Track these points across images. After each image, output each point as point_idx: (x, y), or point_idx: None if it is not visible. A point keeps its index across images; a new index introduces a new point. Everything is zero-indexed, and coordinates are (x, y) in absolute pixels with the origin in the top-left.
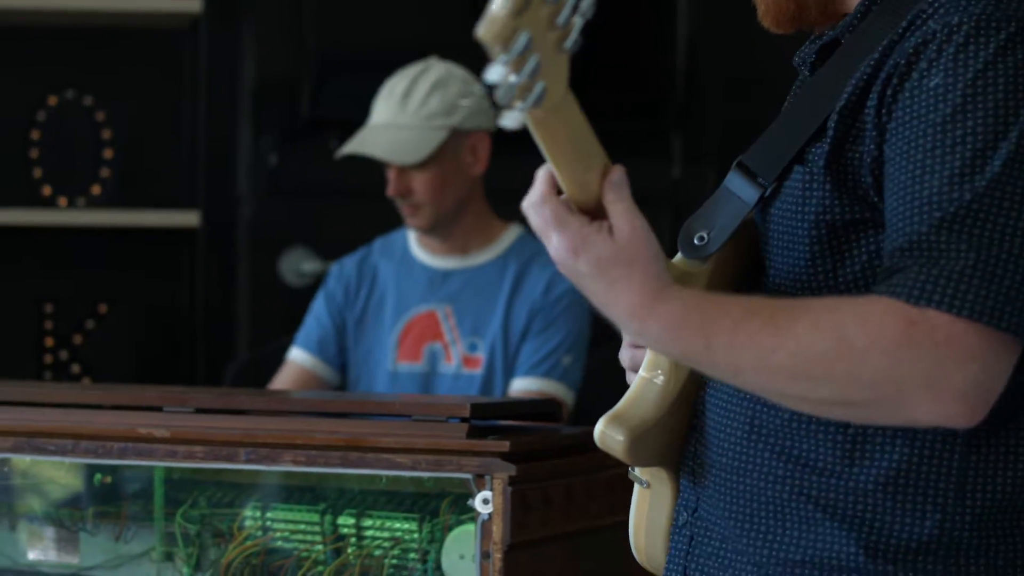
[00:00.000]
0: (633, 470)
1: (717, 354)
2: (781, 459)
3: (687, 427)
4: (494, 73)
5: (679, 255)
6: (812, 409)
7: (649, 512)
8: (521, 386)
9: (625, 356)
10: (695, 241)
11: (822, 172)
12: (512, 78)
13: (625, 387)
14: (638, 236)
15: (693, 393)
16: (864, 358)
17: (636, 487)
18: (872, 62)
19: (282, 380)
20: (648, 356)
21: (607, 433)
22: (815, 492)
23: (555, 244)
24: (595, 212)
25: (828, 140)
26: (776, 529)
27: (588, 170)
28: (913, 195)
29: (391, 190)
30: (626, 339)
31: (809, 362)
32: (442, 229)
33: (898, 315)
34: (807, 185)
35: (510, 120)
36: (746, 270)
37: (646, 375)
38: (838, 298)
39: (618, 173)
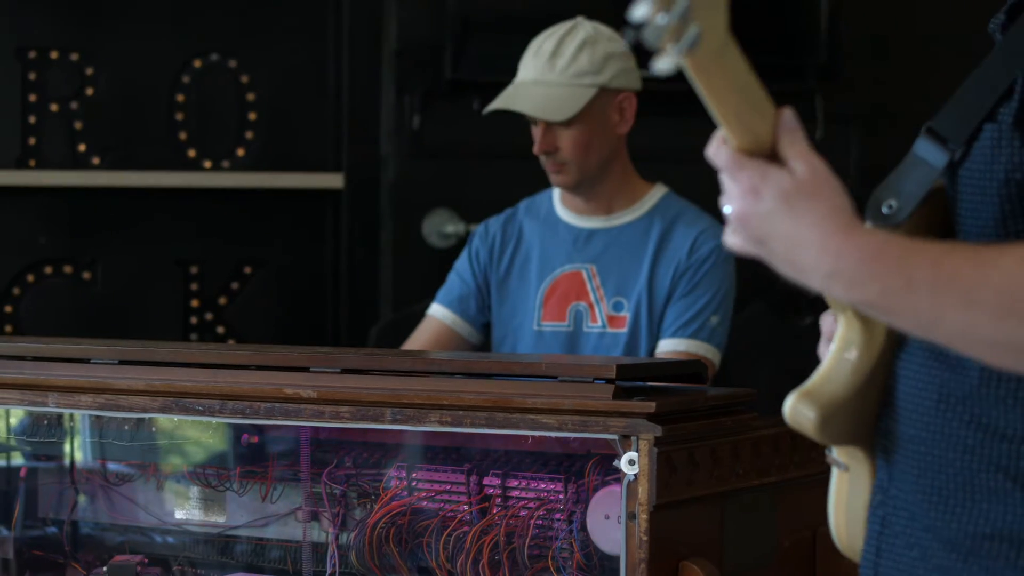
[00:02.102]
0: (831, 452)
1: (919, 292)
2: (971, 428)
3: (880, 404)
4: (640, 10)
5: (867, 225)
6: (1017, 358)
7: (849, 497)
8: (668, 347)
9: (828, 322)
10: (883, 210)
11: (1010, 130)
12: (660, 18)
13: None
14: (819, 170)
15: (887, 368)
16: None
17: (834, 471)
18: None
19: (420, 335)
20: (840, 330)
21: (798, 409)
22: (1005, 462)
23: (733, 190)
24: (769, 159)
25: (1018, 96)
26: (966, 502)
27: (757, 117)
28: None
29: (537, 147)
30: (825, 333)
31: (1017, 298)
32: (587, 188)
33: None
34: (995, 144)
35: (663, 64)
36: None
37: (838, 350)
38: None
39: (789, 113)
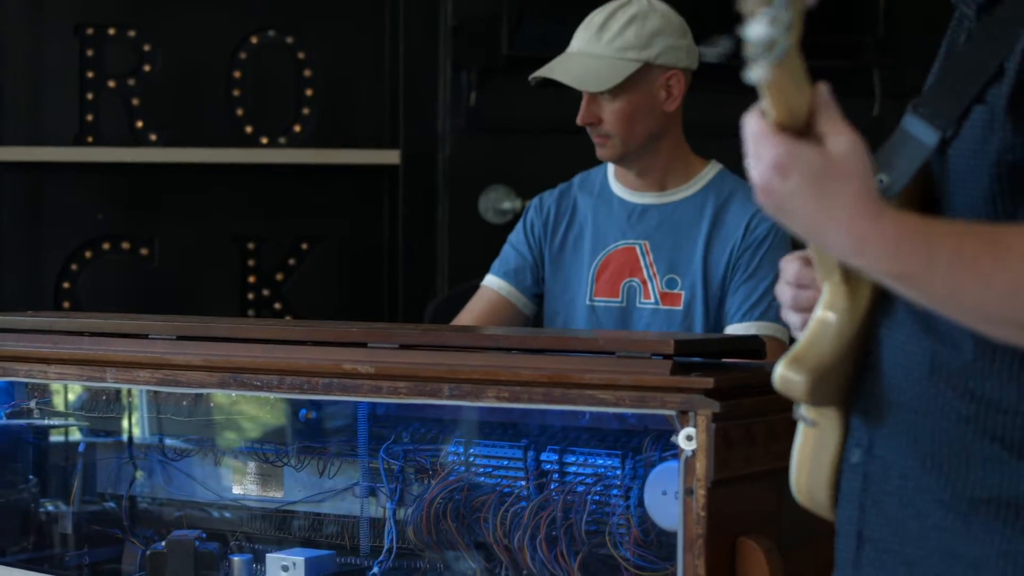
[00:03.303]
0: (798, 410)
1: (937, 273)
2: (964, 399)
3: (860, 366)
4: (757, 29)
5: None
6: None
7: (814, 452)
8: (739, 332)
9: (786, 294)
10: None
11: (1003, 113)
12: (770, 32)
13: None
14: (854, 149)
15: (868, 332)
16: None
17: (800, 426)
18: None
19: (475, 305)
20: (824, 296)
21: (787, 376)
22: (1000, 432)
23: (760, 164)
24: (802, 133)
25: (1009, 81)
26: (961, 468)
27: (797, 91)
28: None
29: (580, 118)
30: (788, 277)
31: None
32: (635, 163)
33: None
34: (987, 126)
35: (757, 74)
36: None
37: (822, 315)
38: None
39: (825, 88)
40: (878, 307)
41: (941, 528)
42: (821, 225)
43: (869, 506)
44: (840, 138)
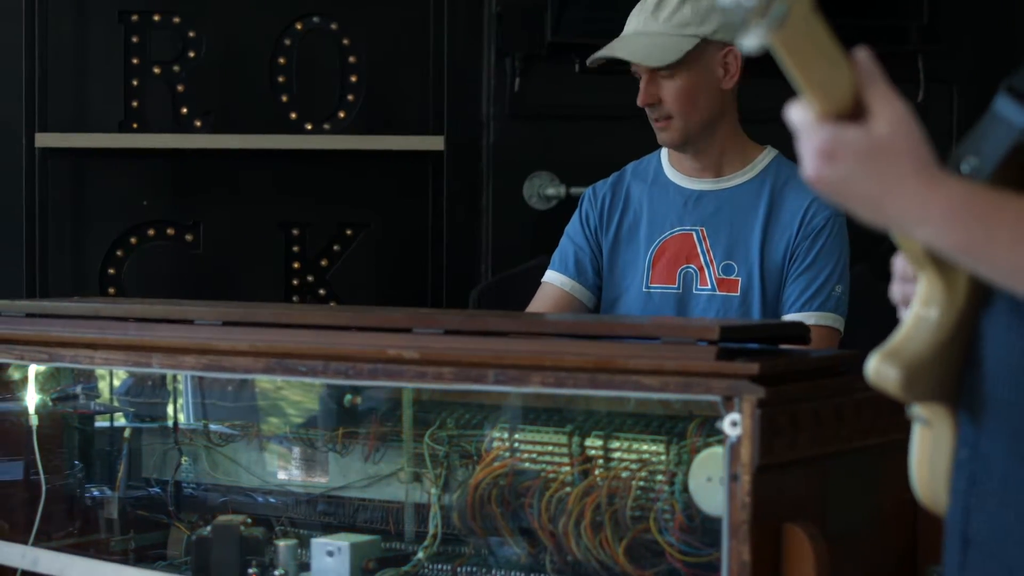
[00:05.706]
0: (912, 408)
1: (999, 244)
2: None
3: (963, 360)
4: None
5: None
6: None
7: (931, 451)
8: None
9: (897, 292)
10: (963, 168)
11: None
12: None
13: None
14: (902, 122)
15: (969, 325)
16: None
17: (916, 425)
18: None
19: (539, 303)
20: (921, 289)
21: (881, 370)
22: None
23: (807, 156)
24: (848, 115)
25: None
26: None
27: (836, 72)
28: None
29: (640, 98)
30: (898, 274)
31: None
32: (694, 146)
33: None
34: None
35: (750, 41)
36: None
37: (919, 309)
38: None
39: (864, 55)
40: (978, 299)
41: None
42: (880, 203)
43: (974, 506)
44: (885, 111)
